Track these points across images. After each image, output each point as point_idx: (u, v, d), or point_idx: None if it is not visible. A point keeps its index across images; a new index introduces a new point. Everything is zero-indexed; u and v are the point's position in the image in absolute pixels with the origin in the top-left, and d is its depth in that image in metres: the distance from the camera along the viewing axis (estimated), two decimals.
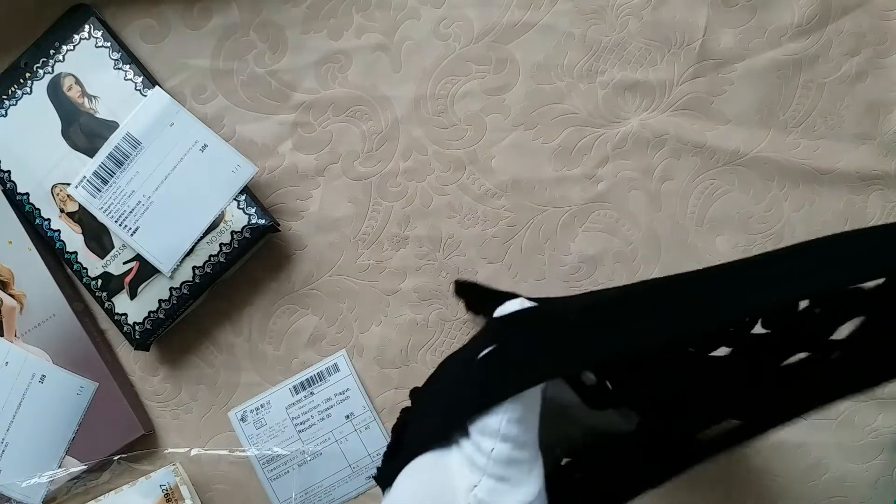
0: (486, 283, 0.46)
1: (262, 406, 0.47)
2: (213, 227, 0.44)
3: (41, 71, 0.46)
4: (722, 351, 0.29)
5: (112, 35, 0.46)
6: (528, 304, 0.30)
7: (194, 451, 0.47)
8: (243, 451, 0.47)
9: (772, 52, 0.46)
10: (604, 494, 0.30)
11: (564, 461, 0.33)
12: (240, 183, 0.44)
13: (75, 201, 0.45)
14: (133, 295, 0.45)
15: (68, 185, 0.45)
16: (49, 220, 0.46)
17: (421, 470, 0.27)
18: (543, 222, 0.47)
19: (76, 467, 0.46)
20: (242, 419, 0.47)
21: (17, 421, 0.45)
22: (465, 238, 0.47)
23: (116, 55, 0.45)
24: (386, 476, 0.29)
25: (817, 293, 0.25)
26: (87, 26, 0.46)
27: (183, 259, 0.44)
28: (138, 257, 0.44)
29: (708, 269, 0.26)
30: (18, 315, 0.46)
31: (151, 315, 0.45)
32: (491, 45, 0.46)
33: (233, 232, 0.44)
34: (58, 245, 0.46)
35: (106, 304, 0.46)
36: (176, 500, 0.45)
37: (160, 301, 0.45)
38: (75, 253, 0.45)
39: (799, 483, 0.46)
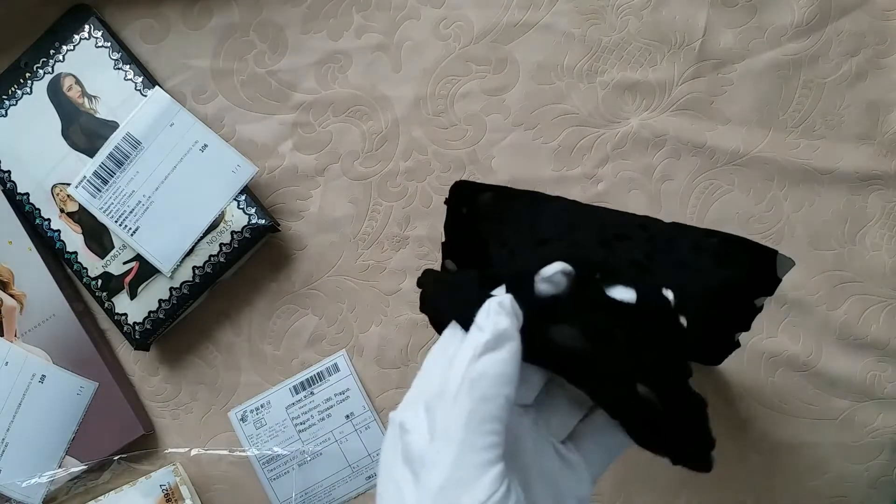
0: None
1: (262, 406, 0.47)
2: (213, 227, 0.44)
3: (41, 71, 0.46)
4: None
5: (112, 35, 0.46)
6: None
7: (194, 451, 0.47)
8: (243, 451, 0.47)
9: (772, 52, 0.46)
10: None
11: None
12: (240, 183, 0.44)
13: (75, 201, 0.45)
14: (133, 295, 0.45)
15: (68, 185, 0.45)
16: (49, 220, 0.46)
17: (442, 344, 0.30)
18: None
19: (76, 467, 0.46)
20: (242, 419, 0.47)
21: (17, 421, 0.45)
22: None
23: (116, 55, 0.45)
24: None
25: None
26: (87, 26, 0.46)
27: (183, 259, 0.44)
28: (138, 257, 0.44)
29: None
30: (18, 315, 0.46)
31: (151, 315, 0.45)
32: (491, 45, 0.46)
33: (233, 232, 0.44)
34: (58, 245, 0.46)
35: (106, 304, 0.46)
36: (176, 500, 0.45)
37: (160, 301, 0.45)
38: (75, 253, 0.45)
39: (799, 483, 0.46)
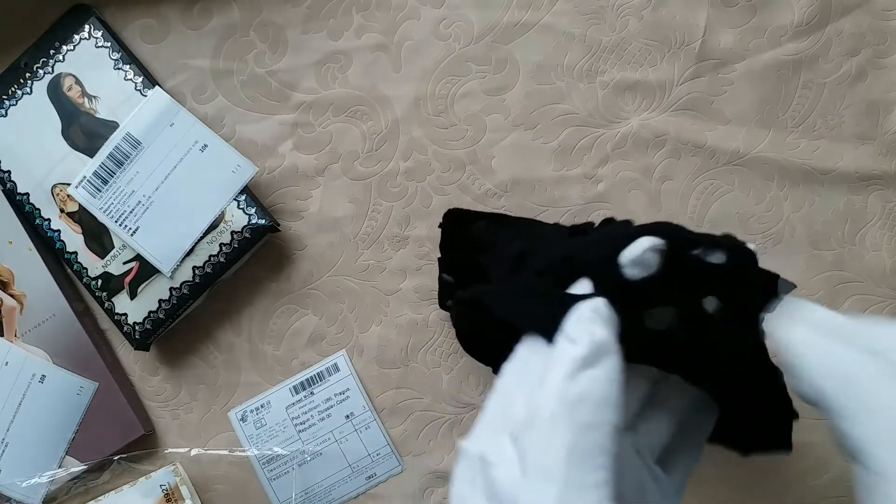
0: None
1: (262, 406, 0.47)
2: (213, 227, 0.44)
3: (41, 71, 0.46)
4: None
5: (112, 35, 0.46)
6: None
7: (194, 451, 0.47)
8: (243, 451, 0.47)
9: (772, 52, 0.46)
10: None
11: None
12: (240, 183, 0.44)
13: (75, 201, 0.45)
14: (133, 295, 0.45)
15: (68, 185, 0.45)
16: (49, 220, 0.46)
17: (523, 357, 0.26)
18: None
19: (76, 467, 0.46)
20: (242, 419, 0.47)
21: (17, 421, 0.45)
22: None
23: (116, 55, 0.45)
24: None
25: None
26: (87, 26, 0.46)
27: (183, 259, 0.44)
28: (138, 257, 0.44)
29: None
30: (18, 315, 0.46)
31: (151, 315, 0.45)
32: (491, 45, 0.46)
33: (233, 232, 0.44)
34: (58, 245, 0.46)
35: (106, 304, 0.46)
36: (176, 500, 0.45)
37: (160, 301, 0.45)
38: (75, 253, 0.45)
39: (799, 483, 0.46)
